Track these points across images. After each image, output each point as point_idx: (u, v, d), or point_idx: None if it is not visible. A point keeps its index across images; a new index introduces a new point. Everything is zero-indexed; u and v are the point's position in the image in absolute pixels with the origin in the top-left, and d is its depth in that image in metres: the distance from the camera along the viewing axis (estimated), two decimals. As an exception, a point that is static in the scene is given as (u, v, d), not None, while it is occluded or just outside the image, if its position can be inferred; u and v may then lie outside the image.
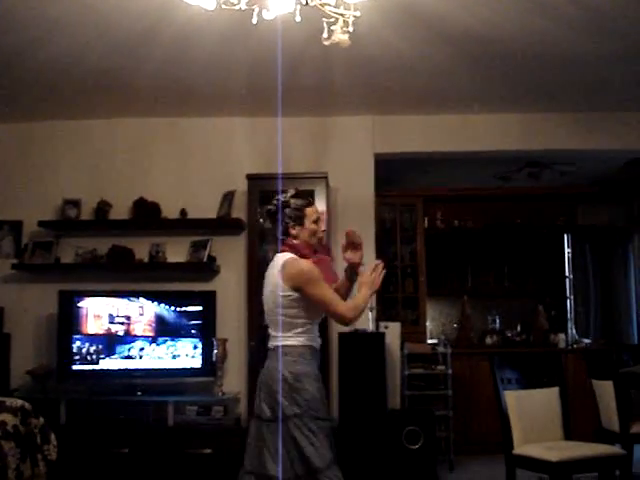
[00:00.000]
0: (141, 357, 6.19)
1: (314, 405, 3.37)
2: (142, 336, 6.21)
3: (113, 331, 6.22)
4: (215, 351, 6.09)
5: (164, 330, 6.23)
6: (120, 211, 6.65)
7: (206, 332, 6.24)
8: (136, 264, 6.53)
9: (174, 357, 6.20)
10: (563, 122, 6.69)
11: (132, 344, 6.20)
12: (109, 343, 6.20)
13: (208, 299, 6.29)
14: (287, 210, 3.58)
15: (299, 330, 3.46)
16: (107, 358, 6.18)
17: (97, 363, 6.17)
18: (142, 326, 6.22)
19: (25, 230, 6.74)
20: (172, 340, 6.22)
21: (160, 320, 6.24)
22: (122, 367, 6.18)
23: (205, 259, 6.45)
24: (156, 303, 6.25)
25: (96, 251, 6.56)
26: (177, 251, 6.55)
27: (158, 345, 6.20)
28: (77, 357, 6.16)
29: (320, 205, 6.22)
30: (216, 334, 6.21)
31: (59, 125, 6.83)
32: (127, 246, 6.52)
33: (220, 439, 5.71)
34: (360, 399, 5.93)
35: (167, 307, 6.25)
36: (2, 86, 5.90)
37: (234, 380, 6.27)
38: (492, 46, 5.11)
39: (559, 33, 4.86)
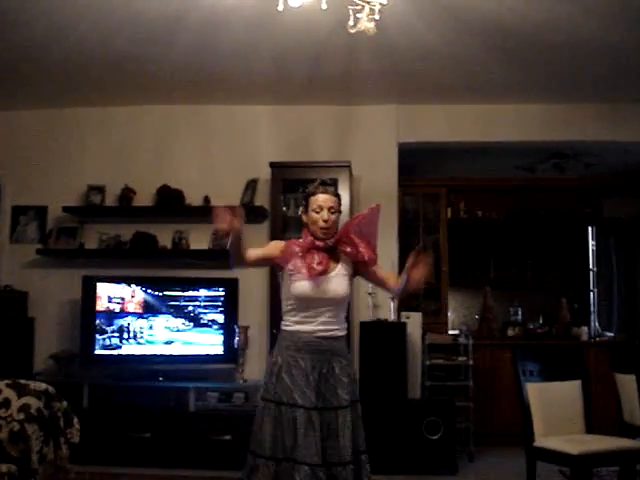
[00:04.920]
0: (163, 343, 6.24)
1: None
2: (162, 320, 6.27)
3: (134, 313, 6.28)
4: (237, 338, 6.12)
5: (186, 317, 6.27)
6: (144, 198, 6.69)
7: (228, 319, 6.27)
8: (159, 251, 6.57)
9: (200, 344, 6.26)
10: (589, 113, 6.62)
11: (153, 331, 6.25)
12: (131, 327, 6.25)
13: (230, 286, 6.31)
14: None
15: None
16: (129, 344, 6.23)
17: (120, 348, 6.22)
18: (163, 312, 6.27)
19: (50, 215, 6.81)
20: (194, 327, 6.28)
21: (181, 307, 6.27)
22: (144, 353, 6.24)
23: (228, 247, 6.44)
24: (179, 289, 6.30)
25: (120, 237, 6.62)
26: (200, 238, 6.58)
27: (179, 332, 6.26)
28: (100, 342, 6.21)
29: (343, 194, 6.20)
30: (238, 321, 6.23)
31: (84, 111, 6.89)
32: (150, 233, 6.56)
33: (241, 426, 5.72)
34: (380, 388, 5.94)
35: (189, 294, 6.29)
36: (28, 72, 5.95)
37: (255, 367, 6.27)
38: (519, 36, 5.07)
39: (586, 23, 4.81)
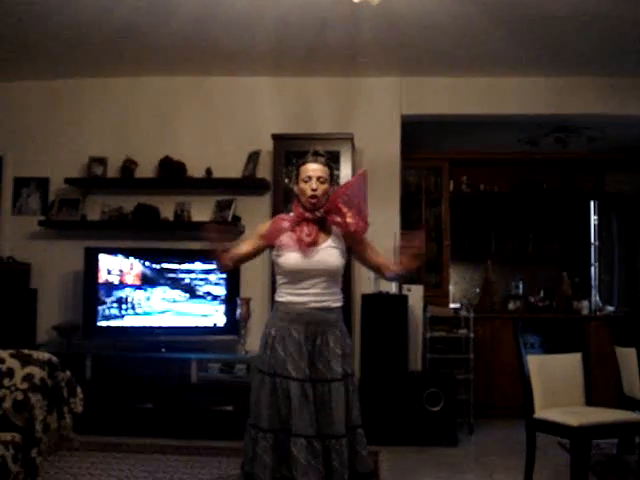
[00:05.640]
0: (166, 314, 6.26)
1: None
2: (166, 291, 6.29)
3: (136, 285, 6.30)
4: (239, 310, 6.13)
5: (187, 288, 6.29)
6: (146, 169, 6.68)
7: (230, 291, 6.28)
8: (161, 223, 6.57)
9: (198, 315, 6.27)
10: (593, 86, 6.59)
11: (155, 302, 6.27)
12: (134, 299, 6.27)
13: (232, 258, 6.30)
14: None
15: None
16: (132, 315, 6.25)
17: (123, 319, 6.25)
18: (165, 284, 6.29)
19: (52, 187, 6.81)
20: (196, 298, 6.30)
21: (183, 279, 6.29)
22: (147, 324, 6.26)
23: (230, 219, 6.47)
24: (181, 261, 6.32)
25: (122, 209, 6.61)
26: (202, 210, 6.59)
27: (181, 303, 6.28)
28: (102, 313, 6.22)
29: (345, 166, 6.22)
30: (240, 293, 6.25)
31: (86, 82, 6.86)
32: (152, 205, 6.56)
33: (242, 396, 5.72)
34: (382, 360, 5.97)
35: (191, 266, 6.31)
36: (30, 43, 5.91)
37: (257, 339, 6.20)
38: (523, 8, 5.03)
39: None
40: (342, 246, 3.58)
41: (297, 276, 3.49)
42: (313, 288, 3.49)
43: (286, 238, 3.52)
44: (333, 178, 3.65)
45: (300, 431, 3.30)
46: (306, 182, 3.51)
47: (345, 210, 3.48)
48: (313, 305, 3.48)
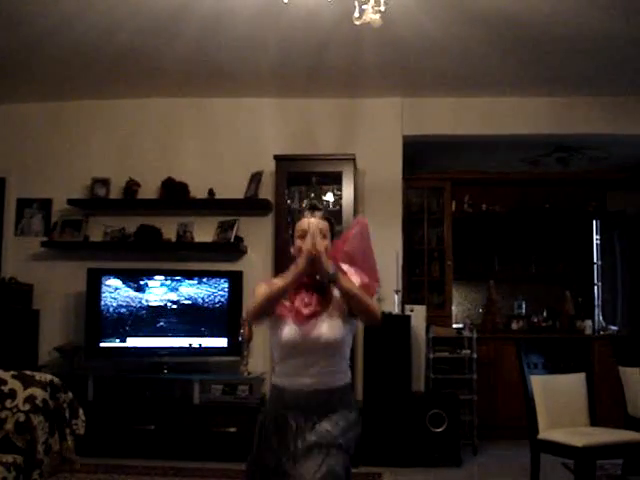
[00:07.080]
0: (168, 335, 6.25)
1: None
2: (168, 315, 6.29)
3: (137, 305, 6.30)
4: (241, 331, 6.12)
5: (191, 310, 6.28)
6: (148, 190, 6.70)
7: (232, 312, 6.27)
8: (164, 243, 6.58)
9: (200, 335, 6.27)
10: (594, 106, 6.61)
11: (157, 323, 6.27)
12: (136, 322, 6.27)
13: (235, 279, 6.32)
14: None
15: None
16: (134, 336, 6.25)
17: (125, 341, 6.24)
18: (167, 304, 6.29)
19: (54, 208, 6.82)
20: (199, 319, 6.29)
21: (186, 299, 6.29)
22: (149, 345, 6.25)
23: (232, 239, 6.47)
24: (184, 282, 6.32)
25: (124, 230, 6.62)
26: (205, 231, 6.60)
27: (184, 324, 6.27)
28: (104, 334, 6.23)
29: (347, 187, 6.23)
30: (242, 314, 6.24)
31: (89, 104, 6.89)
32: (155, 225, 6.56)
33: (245, 418, 5.75)
34: (385, 381, 5.95)
35: (194, 286, 6.30)
36: (33, 65, 5.95)
37: (259, 360, 6.31)
38: (524, 29, 5.06)
39: (592, 15, 4.79)
40: (345, 310, 2.96)
41: (293, 352, 2.93)
42: (313, 367, 2.92)
43: (281, 307, 2.95)
44: (334, 234, 3.10)
45: None
46: (302, 238, 2.98)
47: (346, 269, 2.98)
48: (313, 388, 2.91)
